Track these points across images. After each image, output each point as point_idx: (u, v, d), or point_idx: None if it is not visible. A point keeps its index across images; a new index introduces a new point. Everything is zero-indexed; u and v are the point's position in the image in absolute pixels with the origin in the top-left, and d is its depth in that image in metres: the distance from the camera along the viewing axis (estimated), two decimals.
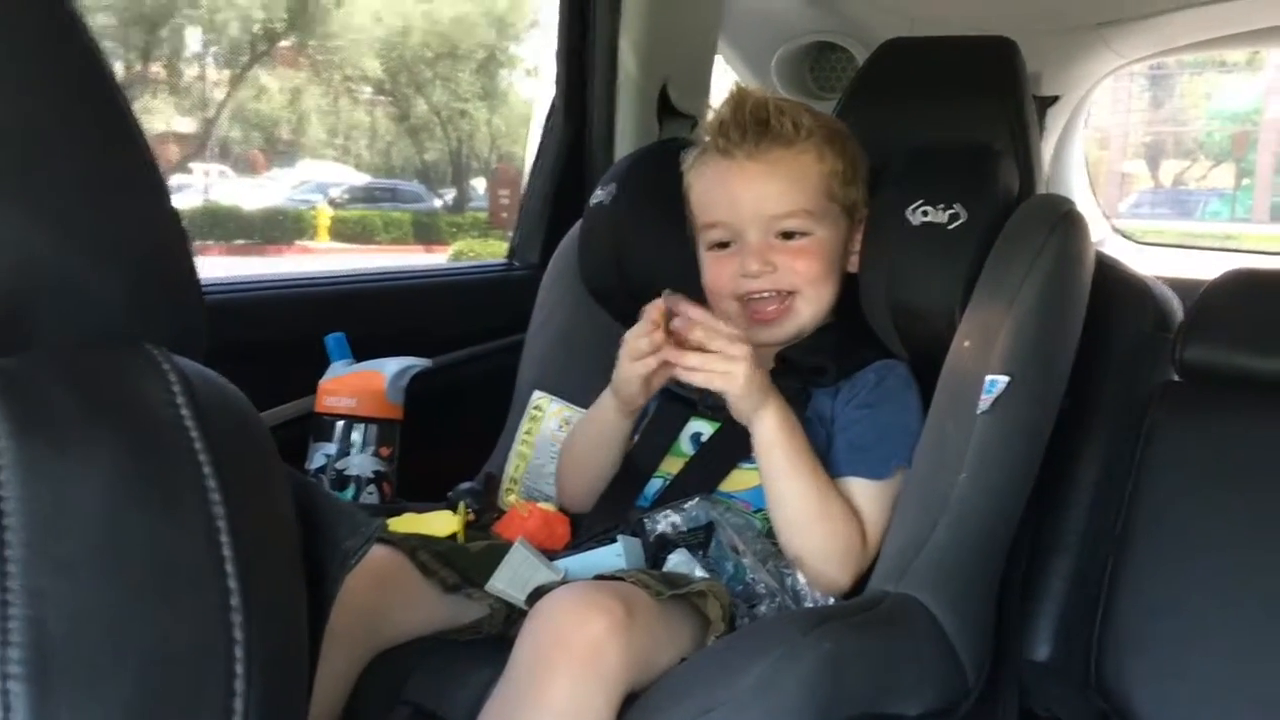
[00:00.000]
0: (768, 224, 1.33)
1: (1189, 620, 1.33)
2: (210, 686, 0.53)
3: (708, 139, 1.38)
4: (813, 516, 1.23)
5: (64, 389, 0.54)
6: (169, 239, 0.63)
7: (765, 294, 1.34)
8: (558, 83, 2.01)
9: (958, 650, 1.18)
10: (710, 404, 1.36)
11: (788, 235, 1.34)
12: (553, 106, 2.04)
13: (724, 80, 2.26)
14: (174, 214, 0.64)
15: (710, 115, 1.38)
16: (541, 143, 2.06)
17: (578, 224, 1.66)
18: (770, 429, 1.24)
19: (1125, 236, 2.97)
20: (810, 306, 1.35)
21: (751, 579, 1.18)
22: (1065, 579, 1.43)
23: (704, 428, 1.37)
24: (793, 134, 1.33)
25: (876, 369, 1.34)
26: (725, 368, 1.21)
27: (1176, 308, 1.51)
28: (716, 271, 1.37)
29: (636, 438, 1.41)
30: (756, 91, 1.37)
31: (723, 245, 1.37)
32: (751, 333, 1.35)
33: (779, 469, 1.24)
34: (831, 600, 1.21)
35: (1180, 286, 1.56)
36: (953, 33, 1.63)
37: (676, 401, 1.39)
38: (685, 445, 1.37)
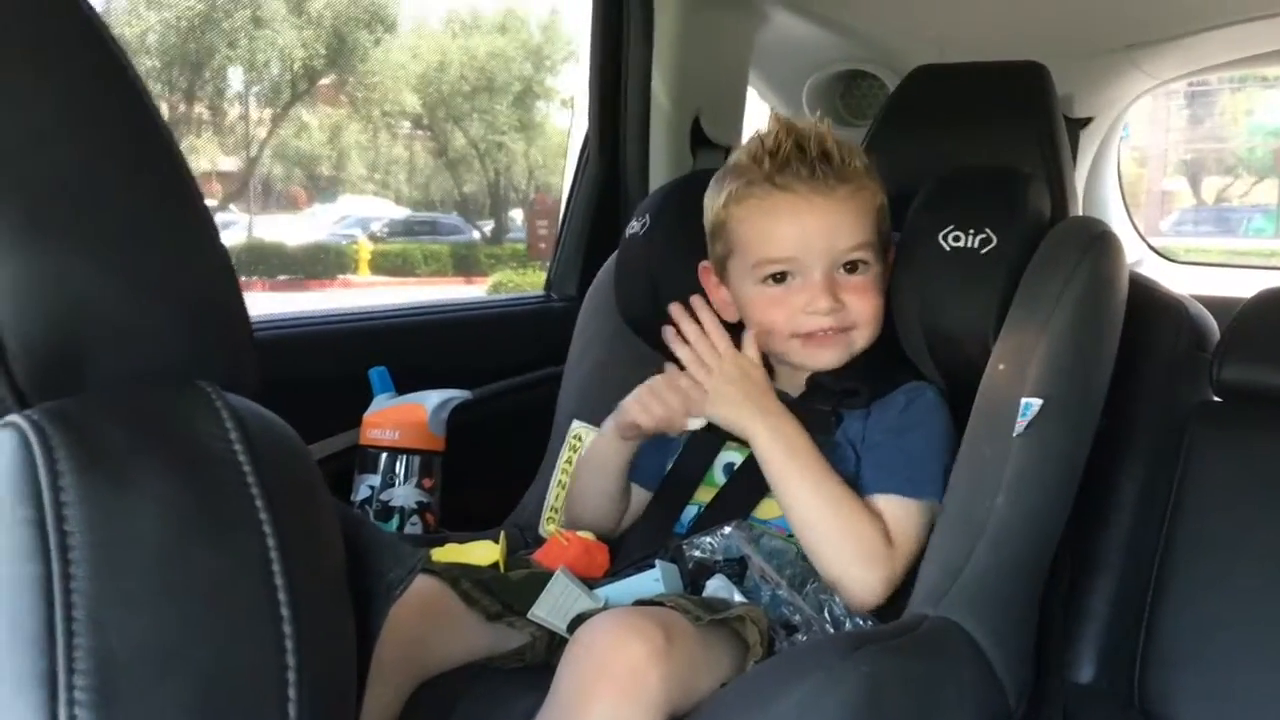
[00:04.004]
0: (836, 258, 1.33)
1: (1233, 639, 1.32)
2: (265, 712, 0.55)
3: (750, 170, 1.35)
4: (824, 517, 1.24)
5: (122, 427, 0.56)
6: (220, 279, 0.65)
7: (825, 330, 1.34)
8: (591, 116, 2.04)
9: (998, 673, 1.18)
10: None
11: (850, 269, 1.34)
12: (587, 139, 2.07)
13: (756, 110, 2.29)
14: (224, 254, 0.66)
15: (754, 147, 1.36)
16: (576, 175, 2.09)
17: (613, 256, 1.68)
18: (763, 443, 1.28)
19: (1164, 256, 2.95)
20: (863, 340, 1.36)
21: (787, 609, 1.19)
22: (1107, 600, 1.43)
23: (735, 457, 1.37)
24: (856, 168, 1.34)
25: (906, 391, 1.35)
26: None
27: (1213, 327, 1.51)
28: (773, 308, 1.35)
29: (669, 466, 1.42)
30: (808, 124, 1.36)
31: (777, 280, 1.35)
32: (805, 357, 1.36)
33: (778, 477, 1.27)
34: (870, 623, 1.21)
35: (1217, 305, 1.56)
36: (982, 58, 1.65)
37: (709, 430, 1.40)
38: (718, 475, 1.38)
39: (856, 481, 1.29)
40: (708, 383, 1.33)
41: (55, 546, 0.52)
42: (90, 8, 0.62)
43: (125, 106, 0.62)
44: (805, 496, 1.26)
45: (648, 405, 1.33)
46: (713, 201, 1.41)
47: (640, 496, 1.45)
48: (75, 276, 0.58)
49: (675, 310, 1.39)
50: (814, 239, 1.32)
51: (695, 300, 1.39)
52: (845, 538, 1.24)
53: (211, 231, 0.66)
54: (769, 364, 1.43)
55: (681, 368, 1.37)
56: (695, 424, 1.34)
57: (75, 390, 0.57)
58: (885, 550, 1.24)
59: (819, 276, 1.32)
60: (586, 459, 1.48)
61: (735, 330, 1.44)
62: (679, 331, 1.37)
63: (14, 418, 0.54)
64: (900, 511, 1.27)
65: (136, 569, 0.53)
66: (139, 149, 0.62)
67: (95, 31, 0.61)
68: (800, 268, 1.33)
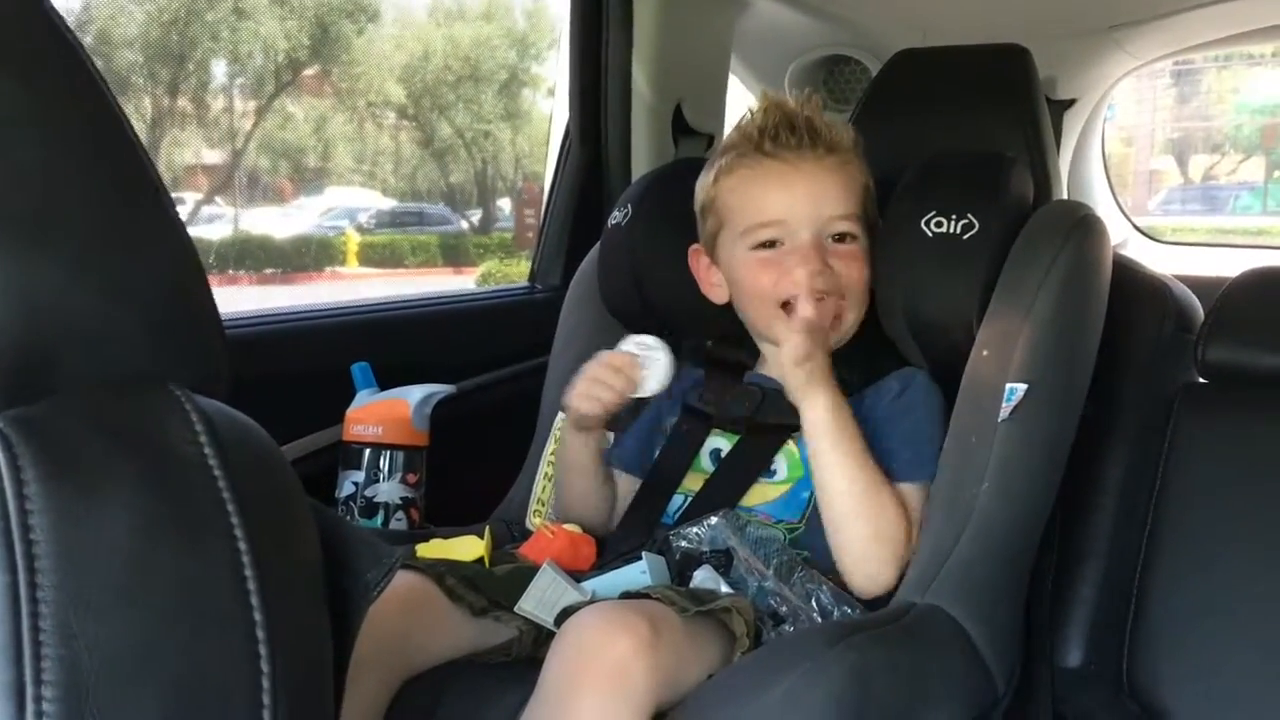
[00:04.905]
0: (824, 225, 1.34)
1: (1221, 621, 1.33)
2: (239, 717, 0.55)
3: (740, 144, 1.38)
4: (858, 498, 1.24)
5: (89, 433, 0.55)
6: (187, 280, 0.65)
7: (817, 296, 1.34)
8: (572, 106, 2.03)
9: (986, 659, 1.18)
10: (729, 418, 1.37)
11: (838, 239, 1.35)
12: (568, 130, 2.06)
13: (738, 98, 2.28)
14: (192, 253, 0.65)
15: (744, 123, 1.39)
16: (559, 166, 2.08)
17: (597, 245, 1.68)
18: (820, 412, 1.26)
19: (1149, 236, 2.95)
20: (853, 314, 1.36)
21: (774, 600, 1.18)
22: (1094, 584, 1.43)
23: (723, 443, 1.37)
24: (844, 142, 1.36)
25: (899, 377, 1.35)
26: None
27: (1197, 308, 1.51)
28: (762, 272, 1.36)
29: (657, 455, 1.42)
30: (795, 101, 1.39)
31: (767, 247, 1.36)
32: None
33: (826, 449, 1.25)
34: (857, 611, 1.21)
35: (1202, 285, 1.56)
36: (965, 41, 1.64)
37: (695, 417, 1.40)
38: (705, 462, 1.38)
39: None
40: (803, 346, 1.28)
41: (21, 555, 0.51)
42: (52, 6, 0.61)
43: (88, 105, 0.61)
44: (847, 473, 1.25)
45: (593, 394, 1.33)
46: (703, 181, 1.43)
47: (630, 484, 1.45)
48: (39, 279, 0.57)
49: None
50: (802, 204, 1.34)
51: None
52: (874, 531, 1.24)
53: (179, 230, 0.65)
54: (756, 349, 1.43)
55: None
56: (647, 391, 1.33)
57: (41, 396, 0.56)
58: (905, 547, 1.24)
59: (807, 238, 1.33)
60: (560, 460, 1.47)
61: (724, 314, 1.44)
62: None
63: None
64: (911, 499, 1.28)
65: (105, 576, 0.52)
66: (102, 148, 0.61)
67: (57, 30, 0.61)
68: (788, 232, 1.34)
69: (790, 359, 1.28)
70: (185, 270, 0.65)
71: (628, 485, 1.45)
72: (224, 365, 0.66)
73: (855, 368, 1.35)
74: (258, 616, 0.55)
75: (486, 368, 1.86)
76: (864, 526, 1.24)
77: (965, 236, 1.33)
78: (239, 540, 0.56)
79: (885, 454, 1.29)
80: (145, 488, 0.55)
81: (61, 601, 0.51)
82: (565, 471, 1.45)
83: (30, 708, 0.49)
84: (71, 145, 0.60)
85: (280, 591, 0.57)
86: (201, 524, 0.56)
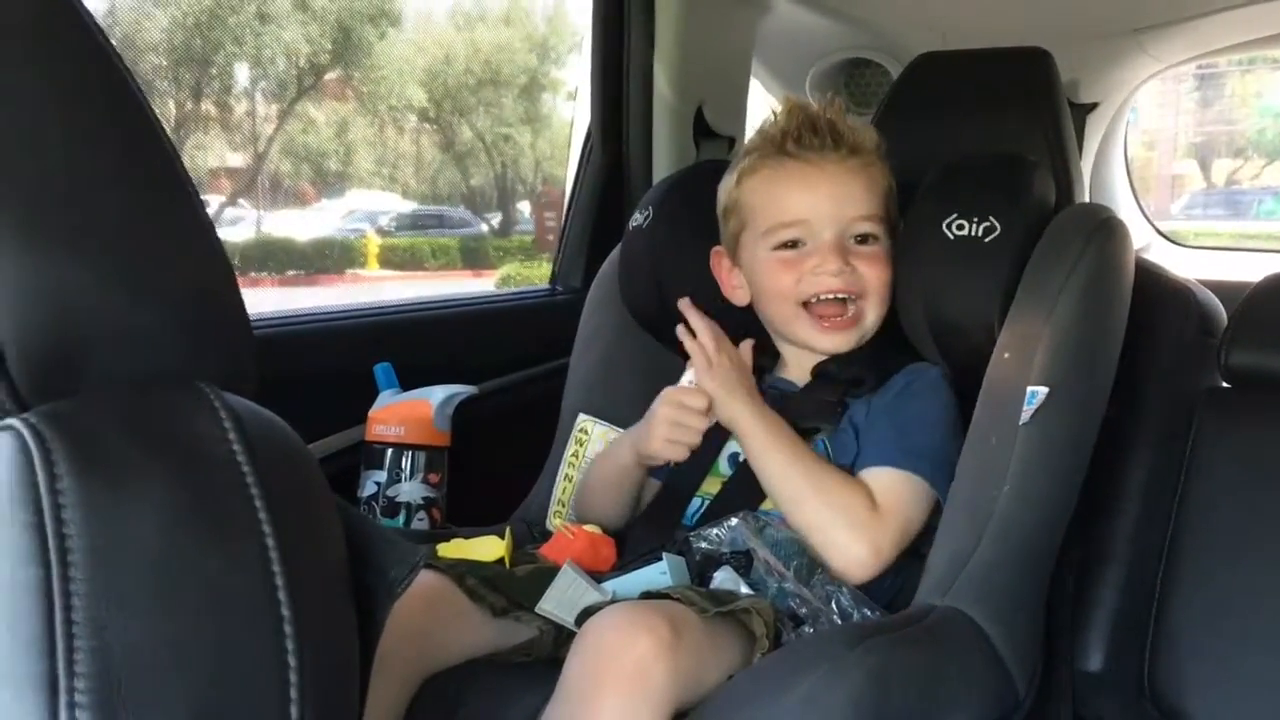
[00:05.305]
0: (846, 226, 1.35)
1: (1242, 626, 1.32)
2: (266, 711, 0.55)
3: (763, 145, 1.39)
4: (804, 488, 1.26)
5: (120, 429, 0.56)
6: (216, 279, 0.65)
7: (837, 295, 1.35)
8: (594, 108, 2.04)
9: (1006, 662, 1.18)
10: None
11: (860, 241, 1.36)
12: (590, 132, 2.06)
13: (759, 101, 2.28)
14: (221, 254, 0.66)
15: (767, 125, 1.40)
16: (580, 168, 2.09)
17: (618, 248, 1.68)
18: (748, 425, 1.30)
19: (1171, 240, 2.93)
20: (874, 314, 1.37)
21: (793, 601, 1.18)
22: (1116, 588, 1.42)
23: (740, 448, 1.38)
24: (867, 144, 1.37)
25: (906, 373, 1.35)
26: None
27: (1220, 312, 1.50)
28: (784, 272, 1.37)
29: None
30: (818, 104, 1.40)
31: (789, 247, 1.37)
32: (816, 339, 1.36)
33: (761, 456, 1.29)
34: (877, 613, 1.21)
35: (1225, 290, 1.55)
36: (986, 45, 1.64)
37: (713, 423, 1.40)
38: (724, 466, 1.39)
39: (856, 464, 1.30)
40: (707, 374, 1.34)
41: (54, 549, 0.52)
42: (83, 6, 0.62)
43: (118, 106, 0.62)
44: (787, 471, 1.27)
45: (679, 439, 1.35)
46: (725, 183, 1.44)
47: (648, 487, 1.45)
48: (71, 278, 0.58)
49: (684, 305, 1.40)
50: (824, 204, 1.34)
51: (684, 303, 1.40)
52: (826, 506, 1.24)
53: (208, 231, 0.65)
54: (776, 351, 1.43)
55: (685, 357, 1.38)
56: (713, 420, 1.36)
57: (71, 393, 0.57)
58: (869, 517, 1.24)
59: (830, 238, 1.34)
60: (602, 475, 1.48)
61: (745, 316, 1.44)
62: (688, 327, 1.38)
63: (12, 421, 0.54)
64: (888, 480, 1.27)
65: (135, 571, 0.53)
66: (132, 148, 0.62)
67: (89, 31, 0.61)
68: (811, 233, 1.35)
69: (724, 368, 1.33)
70: (214, 270, 0.65)
71: (648, 489, 1.45)
72: (251, 364, 0.66)
73: (871, 369, 1.35)
74: (286, 612, 0.56)
75: (508, 369, 1.87)
76: (815, 514, 1.25)
77: (987, 239, 1.33)
78: (267, 536, 0.57)
79: (876, 444, 1.30)
80: (175, 483, 0.55)
81: (93, 595, 0.52)
82: (604, 485, 1.46)
83: (63, 699, 0.50)
84: (102, 146, 0.60)
85: (308, 587, 0.58)
86: (230, 520, 0.56)
